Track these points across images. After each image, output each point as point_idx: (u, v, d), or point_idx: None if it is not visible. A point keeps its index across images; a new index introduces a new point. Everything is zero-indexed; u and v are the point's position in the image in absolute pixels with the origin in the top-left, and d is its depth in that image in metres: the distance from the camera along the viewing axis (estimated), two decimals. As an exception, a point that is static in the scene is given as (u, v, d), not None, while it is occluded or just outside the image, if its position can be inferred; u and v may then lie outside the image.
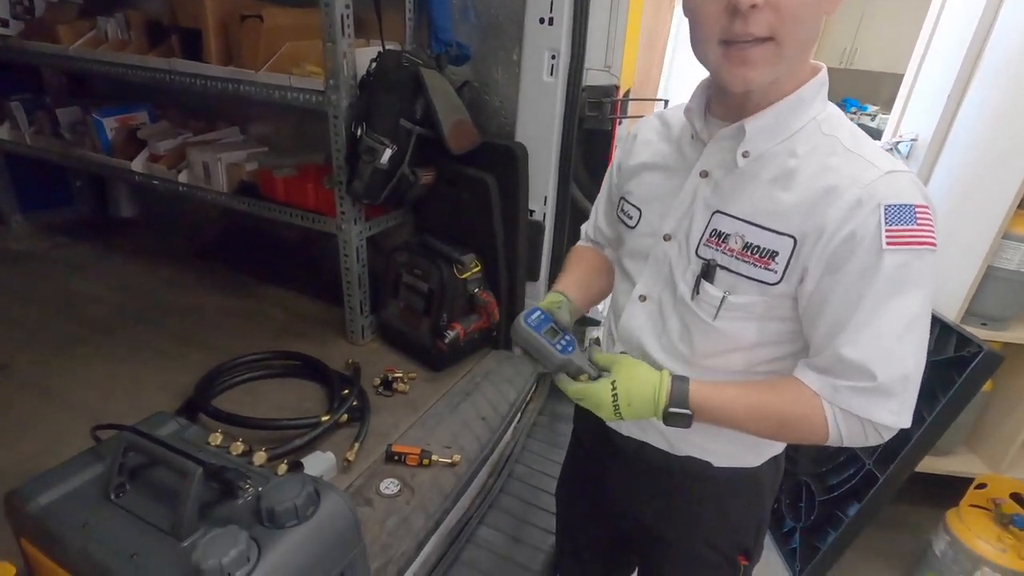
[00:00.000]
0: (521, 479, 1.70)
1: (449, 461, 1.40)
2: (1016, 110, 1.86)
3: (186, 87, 1.82)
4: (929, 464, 2.09)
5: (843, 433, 0.73)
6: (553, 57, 1.66)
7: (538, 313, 0.84)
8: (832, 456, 2.21)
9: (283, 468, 1.03)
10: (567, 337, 0.83)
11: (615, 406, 0.76)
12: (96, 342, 1.81)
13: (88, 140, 2.23)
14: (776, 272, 0.72)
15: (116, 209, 2.94)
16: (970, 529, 1.97)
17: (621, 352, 0.89)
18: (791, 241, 0.70)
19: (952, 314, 2.02)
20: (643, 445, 0.92)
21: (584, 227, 1.11)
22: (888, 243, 0.65)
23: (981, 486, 2.05)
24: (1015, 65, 1.89)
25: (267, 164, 1.96)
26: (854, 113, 5.24)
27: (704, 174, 0.79)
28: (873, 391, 0.70)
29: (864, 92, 5.33)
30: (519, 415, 1.82)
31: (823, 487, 2.18)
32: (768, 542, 2.38)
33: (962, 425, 2.08)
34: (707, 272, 0.77)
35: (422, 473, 1.37)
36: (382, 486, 1.32)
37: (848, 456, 2.13)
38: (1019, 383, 2.18)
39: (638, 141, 0.92)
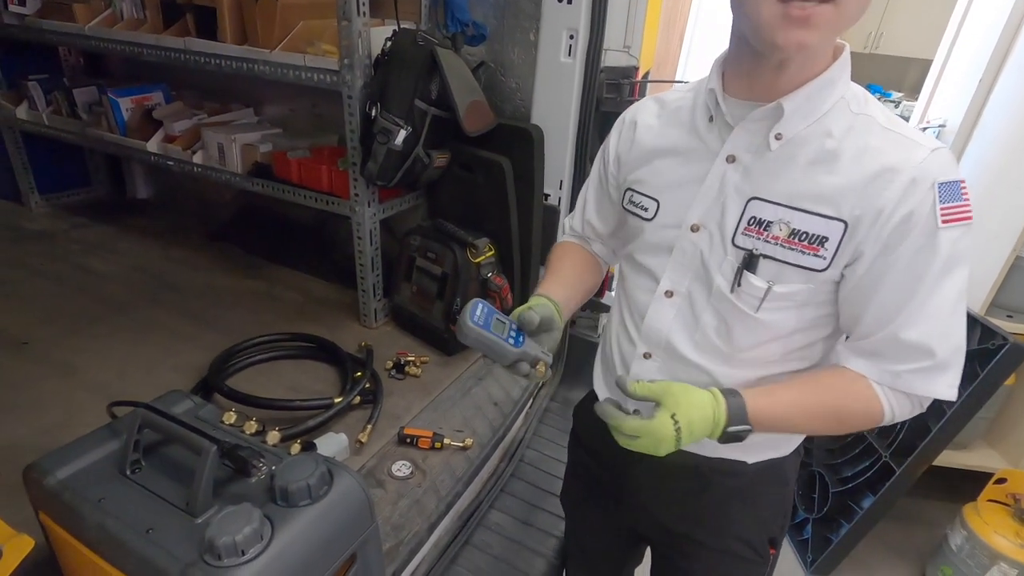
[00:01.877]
0: (532, 464, 1.69)
1: (461, 445, 1.40)
2: (1052, 95, 1.80)
3: (200, 66, 1.80)
4: (946, 458, 2.06)
5: (896, 413, 0.74)
6: (571, 37, 1.62)
7: (481, 307, 0.78)
8: (847, 448, 2.18)
9: (296, 448, 1.04)
10: (514, 326, 0.79)
11: (678, 440, 0.71)
12: (112, 321, 1.82)
13: (104, 120, 2.24)
14: (825, 258, 0.70)
15: (133, 191, 2.95)
16: (988, 524, 1.94)
17: (643, 354, 0.85)
18: (842, 225, 0.69)
19: (977, 306, 1.97)
20: None
21: (566, 221, 1.06)
22: (943, 221, 0.65)
23: (1000, 481, 2.01)
24: (1052, 48, 1.82)
25: (281, 146, 1.95)
26: (878, 99, 5.12)
27: (731, 159, 0.74)
28: (932, 368, 0.70)
29: (889, 78, 5.18)
30: (531, 400, 1.81)
31: (837, 479, 2.16)
32: (779, 532, 2.37)
33: (982, 419, 2.04)
34: (749, 263, 0.73)
35: (434, 456, 1.37)
36: (394, 468, 1.32)
37: (864, 448, 2.10)
38: (1044, 377, 2.13)
39: (639, 127, 0.86)
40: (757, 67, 0.70)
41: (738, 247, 0.74)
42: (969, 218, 0.67)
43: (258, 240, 2.39)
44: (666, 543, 0.97)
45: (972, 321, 1.90)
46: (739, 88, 0.73)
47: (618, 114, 0.94)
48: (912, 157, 0.66)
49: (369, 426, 1.40)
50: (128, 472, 0.87)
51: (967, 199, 0.67)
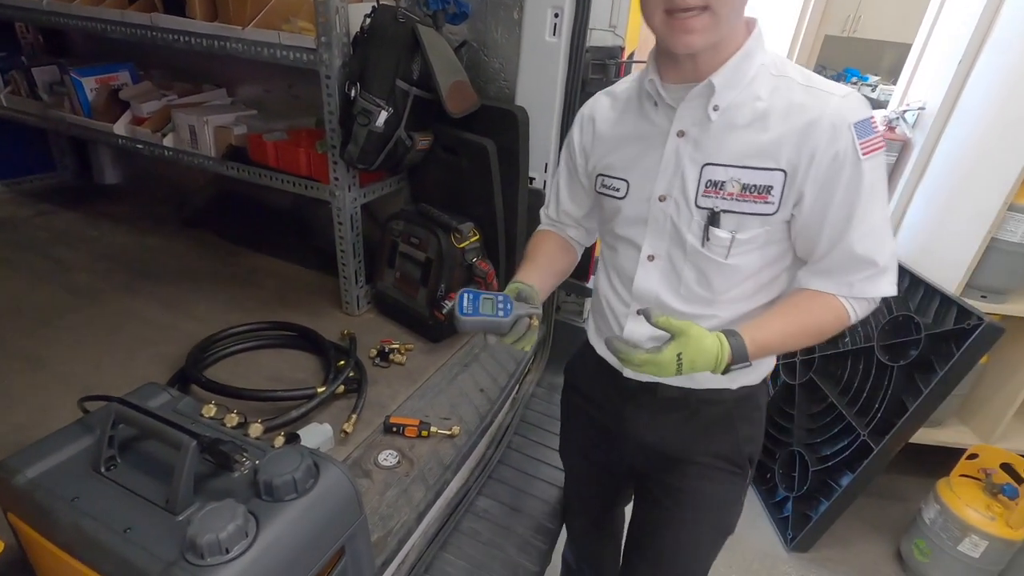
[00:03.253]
0: (519, 450, 1.69)
1: (448, 432, 1.39)
2: (1029, 78, 1.82)
3: (169, 44, 1.72)
4: (921, 435, 2.11)
5: (858, 313, 0.88)
6: (556, 15, 1.58)
7: (467, 297, 0.87)
8: (827, 427, 2.23)
9: (280, 440, 1.01)
10: (500, 297, 0.88)
11: (679, 367, 0.81)
12: (84, 311, 1.76)
13: (67, 101, 2.14)
14: (773, 203, 0.83)
15: (100, 175, 2.84)
16: (960, 498, 2.01)
17: (637, 311, 0.94)
18: (782, 174, 0.81)
19: (952, 286, 2.01)
20: (659, 385, 0.98)
21: (543, 211, 1.18)
22: (863, 153, 0.78)
23: (972, 456, 2.08)
24: (1031, 30, 1.83)
25: (257, 128, 1.88)
26: (855, 83, 5.15)
27: (681, 133, 0.86)
28: (878, 274, 0.84)
29: (866, 62, 5.22)
30: (518, 386, 1.80)
31: (816, 457, 2.20)
32: (760, 510, 2.42)
33: (955, 396, 2.10)
34: (713, 219, 0.85)
35: (421, 444, 1.35)
36: (380, 458, 1.30)
37: (843, 427, 2.15)
38: (1015, 356, 2.19)
39: (597, 120, 0.99)
40: (677, 58, 0.82)
41: (701, 208, 0.87)
42: (883, 146, 0.80)
43: (235, 226, 2.32)
44: (659, 469, 1.08)
45: (947, 301, 1.94)
46: (672, 74, 0.86)
47: (605, 95, 1.02)
48: (828, 106, 0.79)
49: (354, 416, 1.38)
50: (103, 469, 0.83)
51: (878, 132, 0.80)
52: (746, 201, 0.83)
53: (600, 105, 1.00)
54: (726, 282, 0.90)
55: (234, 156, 1.84)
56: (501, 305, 0.87)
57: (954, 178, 2.11)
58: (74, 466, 0.84)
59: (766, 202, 0.83)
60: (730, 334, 0.83)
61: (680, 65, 0.84)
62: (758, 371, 1.01)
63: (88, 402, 0.94)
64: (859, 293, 0.86)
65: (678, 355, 0.80)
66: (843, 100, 0.79)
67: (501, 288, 0.99)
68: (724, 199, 0.84)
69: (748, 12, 0.83)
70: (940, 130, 2.16)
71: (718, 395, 0.99)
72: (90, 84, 2.10)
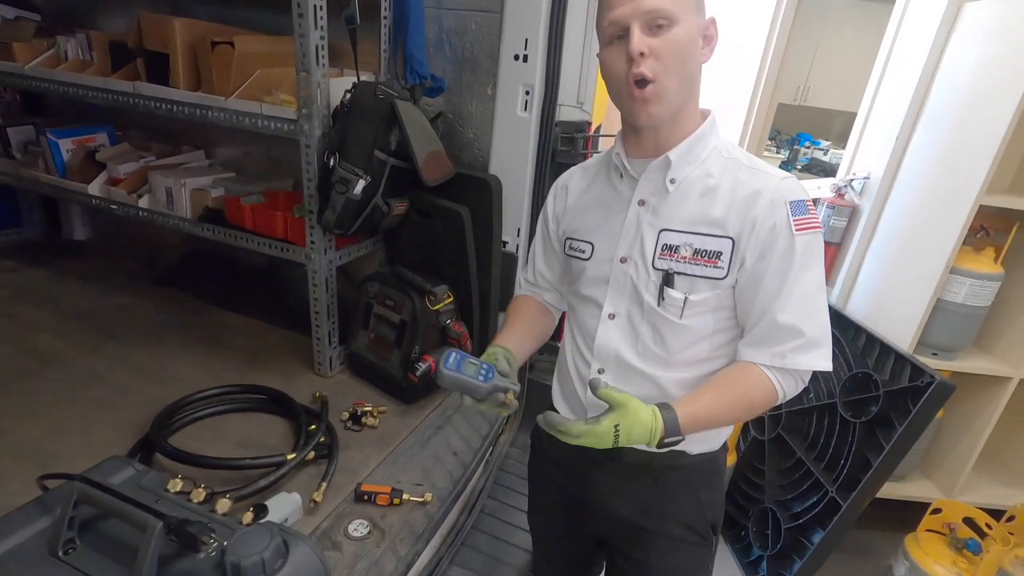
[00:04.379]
0: (493, 514, 1.67)
1: (420, 500, 1.37)
2: (959, 151, 1.98)
3: (151, 111, 1.77)
4: (887, 490, 2.15)
5: (785, 390, 0.92)
6: (527, 93, 1.69)
7: (454, 355, 0.92)
8: (796, 483, 2.25)
9: (248, 516, 0.99)
10: (484, 366, 0.93)
11: (615, 439, 0.84)
12: (45, 375, 1.70)
13: (42, 161, 2.14)
14: (723, 268, 0.90)
15: (69, 232, 2.81)
16: (927, 554, 2.03)
17: (598, 369, 1.01)
18: (730, 241, 0.89)
19: (905, 344, 2.10)
20: (623, 450, 0.99)
21: (521, 276, 1.24)
22: (797, 229, 0.86)
23: (936, 511, 2.12)
24: (957, 108, 2.02)
25: (234, 190, 1.92)
26: (808, 147, 5.48)
27: (642, 202, 0.95)
28: (805, 345, 0.88)
29: (818, 127, 5.59)
30: (491, 448, 1.80)
31: (788, 514, 2.22)
32: (736, 571, 2.40)
33: (916, 451, 2.16)
34: (668, 280, 0.92)
35: (392, 513, 1.33)
36: (351, 528, 1.27)
37: (811, 483, 2.18)
38: (968, 411, 2.28)
39: (570, 190, 1.08)
40: (642, 134, 0.92)
41: (657, 269, 0.93)
42: (817, 227, 0.88)
43: (208, 285, 2.31)
44: (624, 539, 1.09)
45: (902, 360, 2.02)
46: (636, 150, 0.95)
47: (573, 165, 1.14)
48: (768, 184, 0.88)
49: (324, 484, 1.36)
50: (60, 553, 0.81)
51: (814, 212, 0.88)
52: (698, 265, 0.91)
53: (574, 177, 1.10)
54: (680, 342, 0.95)
55: (210, 218, 1.86)
56: (483, 372, 0.92)
57: (900, 242, 2.25)
58: (30, 549, 0.82)
59: (716, 266, 0.90)
60: (664, 407, 0.87)
61: (643, 140, 0.93)
62: (719, 434, 1.04)
63: (48, 479, 0.92)
64: (791, 365, 0.90)
65: (615, 426, 0.84)
66: (782, 181, 0.90)
67: (479, 351, 1.02)
68: (678, 262, 0.92)
69: (707, 103, 0.96)
70: (884, 198, 2.32)
71: (679, 460, 1.02)
72: (67, 145, 2.12)
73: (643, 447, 0.92)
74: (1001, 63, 1.85)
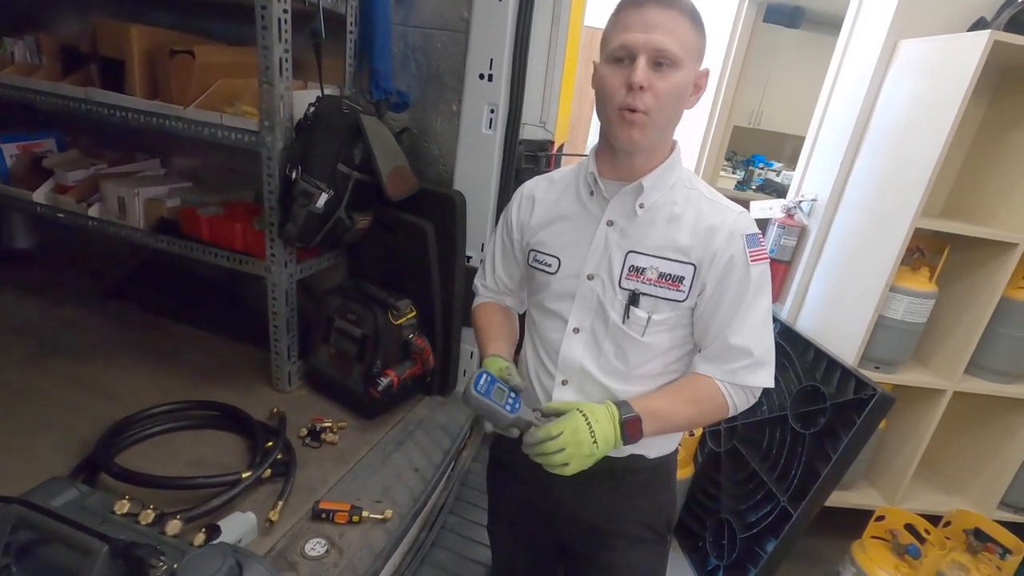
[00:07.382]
0: (454, 530, 1.66)
1: (380, 517, 1.35)
2: (896, 177, 2.12)
3: (104, 118, 1.72)
4: (834, 498, 2.24)
5: (736, 403, 0.99)
6: (492, 111, 1.72)
7: (485, 377, 0.93)
8: (751, 493, 2.32)
9: (200, 538, 0.96)
10: (512, 395, 0.94)
11: (590, 428, 0.90)
12: (-21, 391, 1.62)
13: (-17, 166, 2.05)
14: (684, 292, 0.96)
15: (10, 239, 2.67)
16: (872, 560, 2.12)
17: (562, 381, 1.04)
18: (692, 267, 0.95)
19: (850, 358, 2.21)
20: None
21: (477, 281, 1.25)
22: (751, 260, 0.94)
23: (880, 518, 2.22)
24: (895, 136, 2.15)
25: (191, 201, 1.87)
26: (761, 168, 5.72)
27: (611, 223, 0.99)
28: (754, 364, 0.97)
29: (770, 150, 5.85)
30: (453, 464, 1.79)
31: (743, 524, 2.28)
32: (694, 581, 2.44)
33: (861, 461, 2.26)
34: (634, 299, 0.97)
35: (351, 531, 1.31)
36: (307, 547, 1.25)
37: (764, 494, 2.25)
38: (908, 421, 2.41)
39: (537, 201, 1.09)
40: (617, 157, 0.96)
41: (624, 288, 0.98)
42: (767, 257, 0.96)
43: (162, 298, 2.23)
44: (587, 541, 1.13)
45: (847, 374, 2.13)
46: (609, 171, 0.99)
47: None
48: (726, 218, 0.95)
49: (280, 502, 1.33)
50: (-4, 581, 0.77)
51: (763, 245, 0.96)
52: (662, 287, 0.96)
53: (539, 186, 1.11)
54: (639, 357, 1.00)
55: (165, 229, 1.81)
56: (511, 401, 0.93)
57: (844, 261, 2.37)
58: (-39, 578, 0.77)
59: (678, 290, 0.96)
60: (619, 403, 0.94)
61: (618, 163, 0.97)
62: (672, 440, 1.11)
63: (-17, 503, 0.87)
64: (740, 381, 0.98)
65: (581, 411, 0.90)
66: (739, 216, 0.97)
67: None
68: (644, 283, 0.97)
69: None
70: (831, 219, 2.44)
71: (638, 464, 1.07)
72: (11, 150, 2.03)
73: (611, 450, 0.96)
74: (933, 96, 1.99)
